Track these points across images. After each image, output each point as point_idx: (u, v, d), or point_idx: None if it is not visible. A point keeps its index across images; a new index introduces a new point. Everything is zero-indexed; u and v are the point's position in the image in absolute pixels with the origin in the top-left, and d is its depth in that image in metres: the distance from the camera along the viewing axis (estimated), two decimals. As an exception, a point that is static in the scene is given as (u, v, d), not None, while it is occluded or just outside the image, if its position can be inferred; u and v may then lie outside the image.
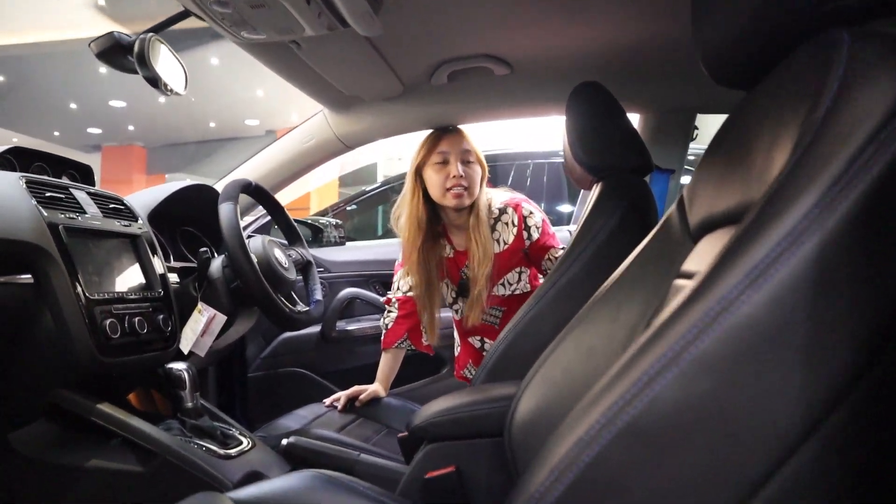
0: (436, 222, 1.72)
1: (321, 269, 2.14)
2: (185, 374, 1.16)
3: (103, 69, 9.10)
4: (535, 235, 1.67)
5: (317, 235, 2.38)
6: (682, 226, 0.85)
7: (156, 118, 11.18)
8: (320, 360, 2.08)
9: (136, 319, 1.13)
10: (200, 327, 1.40)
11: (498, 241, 1.67)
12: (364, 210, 3.37)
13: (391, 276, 1.84)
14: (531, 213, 1.68)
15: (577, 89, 1.37)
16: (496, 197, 1.71)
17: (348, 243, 2.49)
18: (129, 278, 1.20)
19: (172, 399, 1.18)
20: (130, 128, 12.14)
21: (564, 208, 3.19)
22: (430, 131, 1.67)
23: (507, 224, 1.67)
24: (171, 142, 12.91)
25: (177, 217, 1.66)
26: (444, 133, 1.66)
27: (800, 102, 0.54)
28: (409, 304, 1.73)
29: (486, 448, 1.04)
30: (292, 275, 1.53)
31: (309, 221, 2.45)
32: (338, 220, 2.71)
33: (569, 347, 0.91)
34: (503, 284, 1.72)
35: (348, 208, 3.48)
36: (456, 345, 1.93)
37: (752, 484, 0.41)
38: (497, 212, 1.68)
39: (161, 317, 1.22)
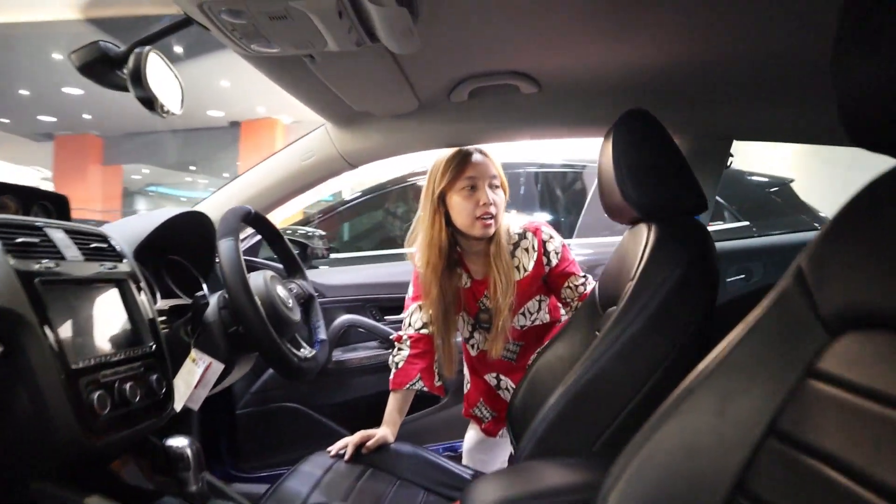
0: (453, 250, 1.57)
1: (316, 294, 1.97)
2: (189, 451, 0.99)
3: (57, 54, 8.66)
4: (555, 261, 1.57)
5: (304, 252, 2.20)
6: (805, 307, 0.71)
7: (113, 106, 10.71)
8: (315, 393, 1.91)
9: (128, 385, 0.95)
10: (196, 379, 1.23)
11: (518, 268, 1.56)
12: (348, 220, 3.18)
13: (389, 299, 1.69)
14: (551, 237, 1.58)
15: (627, 117, 1.24)
16: (513, 221, 1.59)
17: (333, 255, 2.32)
18: (117, 333, 1.02)
19: (172, 477, 1.00)
20: (86, 116, 11.63)
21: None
22: (454, 152, 1.52)
23: (526, 250, 1.56)
24: (129, 131, 12.42)
25: (162, 246, 1.47)
26: (470, 156, 1.50)
27: None
28: (423, 343, 1.58)
29: None
30: (297, 315, 1.37)
31: (294, 238, 2.27)
32: (321, 231, 2.54)
33: (664, 441, 0.77)
34: (524, 314, 1.61)
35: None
36: (466, 381, 1.80)
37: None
38: (516, 237, 1.56)
39: (154, 377, 1.04)
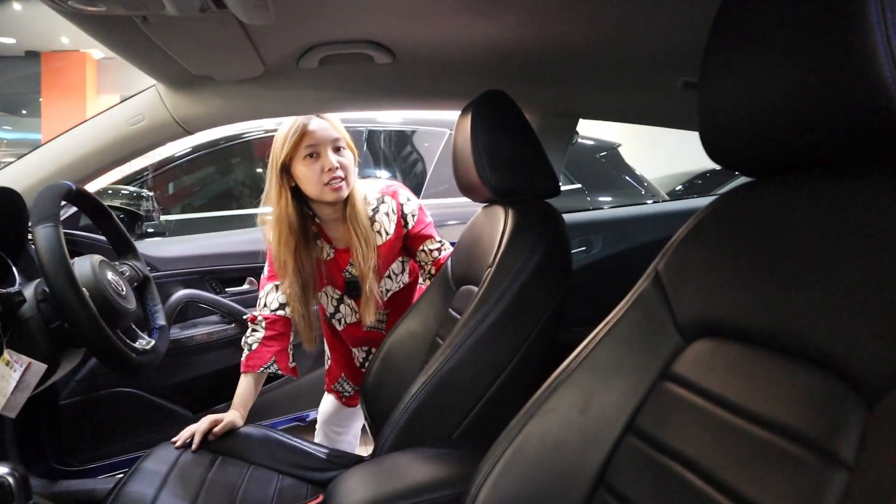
0: (308, 222, 1.52)
1: (149, 268, 1.80)
2: (10, 480, 0.87)
3: None
4: (412, 223, 1.57)
5: (133, 220, 2.00)
6: (662, 311, 0.76)
7: None
8: (151, 375, 1.76)
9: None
10: (11, 385, 1.08)
11: (380, 232, 1.54)
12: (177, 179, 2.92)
13: (230, 270, 1.60)
14: (408, 199, 1.59)
15: (485, 99, 1.23)
16: (371, 187, 1.57)
17: (166, 217, 2.14)
18: None
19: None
20: None
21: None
22: (291, 122, 1.43)
23: (387, 214, 1.55)
24: None
25: None
26: (308, 122, 1.42)
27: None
28: (279, 325, 1.51)
29: None
30: (131, 303, 1.24)
31: (121, 204, 2.05)
32: (146, 191, 2.32)
33: (532, 438, 0.80)
34: (389, 276, 1.61)
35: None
36: (326, 357, 1.77)
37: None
38: (374, 202, 1.54)
39: None
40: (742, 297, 0.65)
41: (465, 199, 1.46)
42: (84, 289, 1.10)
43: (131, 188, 2.37)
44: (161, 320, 1.35)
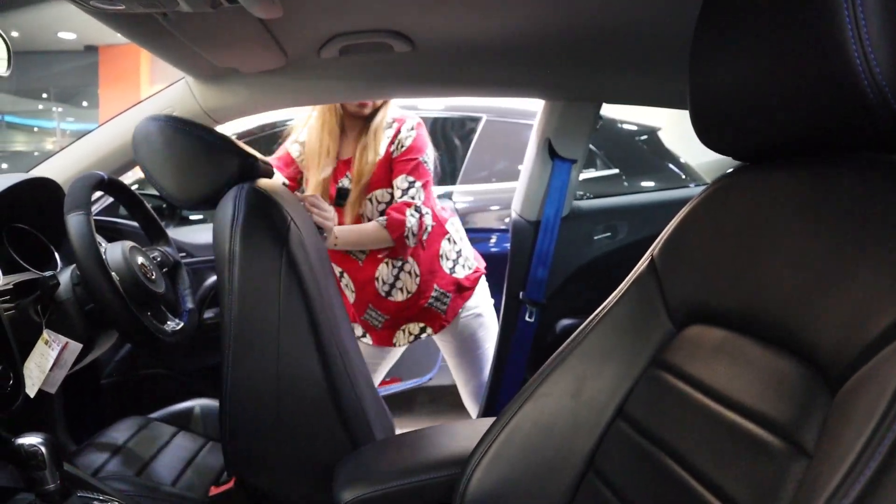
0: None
1: (183, 255, 1.87)
2: (43, 449, 0.93)
3: None
4: (397, 152, 1.65)
5: (173, 210, 2.08)
6: (655, 298, 0.77)
7: (-59, 25, 9.40)
8: (186, 358, 1.84)
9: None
10: (50, 362, 1.15)
11: (377, 151, 1.64)
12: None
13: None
14: (411, 130, 1.66)
15: (145, 127, 1.22)
16: (393, 112, 1.67)
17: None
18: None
19: (26, 479, 0.95)
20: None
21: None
22: None
23: (387, 136, 1.65)
24: (-36, 53, 10.98)
25: (3, 213, 1.34)
26: None
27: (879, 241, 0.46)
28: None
29: None
30: (161, 286, 1.30)
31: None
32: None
33: (525, 422, 0.81)
34: (371, 200, 1.67)
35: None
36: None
37: None
38: (386, 125, 1.65)
39: None
40: (726, 283, 0.65)
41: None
42: (114, 273, 1.16)
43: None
44: (190, 303, 1.41)
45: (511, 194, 1.58)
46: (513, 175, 2.47)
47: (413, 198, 1.61)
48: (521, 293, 1.69)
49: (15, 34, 10.24)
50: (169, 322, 1.33)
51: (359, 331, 1.80)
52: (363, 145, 1.62)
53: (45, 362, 1.16)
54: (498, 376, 1.75)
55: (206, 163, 1.18)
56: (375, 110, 1.64)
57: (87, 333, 1.20)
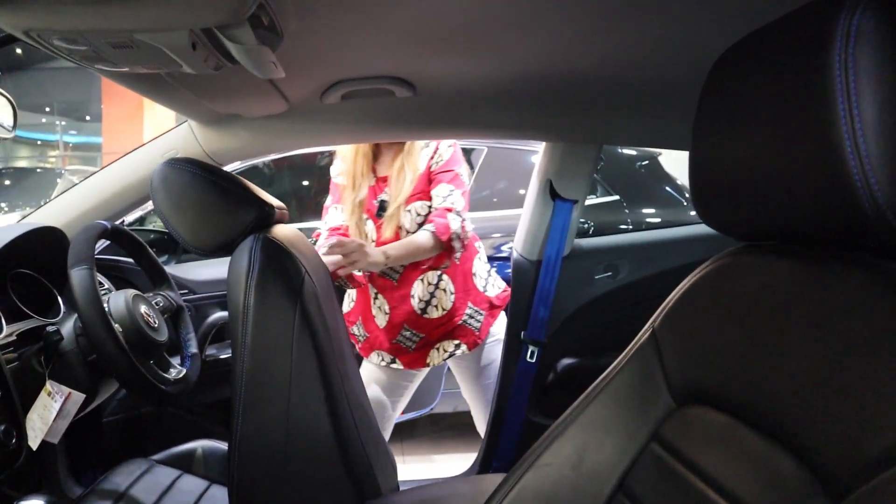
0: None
1: (185, 291, 1.88)
2: (44, 513, 0.94)
3: None
4: (436, 166, 1.71)
5: (175, 245, 2.09)
6: (656, 371, 0.77)
7: (-55, 41, 9.43)
8: (189, 394, 1.84)
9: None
10: (53, 414, 1.16)
11: (414, 168, 1.71)
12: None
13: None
14: (449, 146, 1.73)
15: (163, 172, 1.25)
16: None
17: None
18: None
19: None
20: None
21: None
22: None
23: (426, 154, 1.72)
24: (-32, 68, 11.05)
25: (6, 258, 1.34)
26: None
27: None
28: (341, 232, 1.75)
29: None
30: (164, 335, 1.30)
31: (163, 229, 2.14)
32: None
33: (526, 492, 0.82)
34: (409, 211, 1.71)
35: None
36: (349, 299, 1.88)
37: None
38: (423, 144, 1.74)
39: (1, 428, 0.96)
40: (727, 368, 0.65)
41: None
42: (117, 324, 1.17)
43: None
44: (193, 348, 1.41)
45: (511, 221, 1.60)
46: (514, 201, 2.49)
47: (453, 204, 1.67)
48: (522, 333, 1.69)
49: (19, 50, 10.31)
50: (172, 369, 1.34)
51: (386, 358, 1.81)
52: (399, 165, 1.69)
53: (48, 414, 1.16)
54: (500, 416, 1.75)
55: (223, 211, 1.20)
56: None
57: (89, 383, 1.21)
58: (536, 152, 1.79)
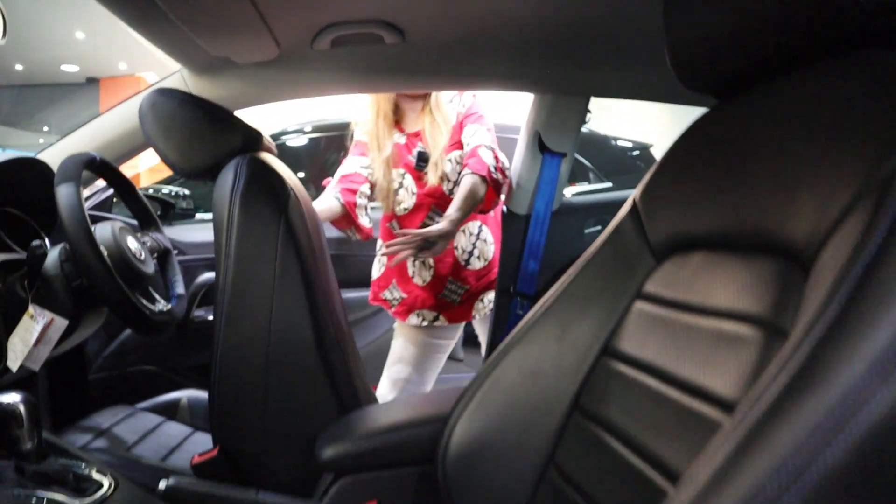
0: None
1: (175, 252, 1.87)
2: (21, 409, 0.92)
3: None
4: (463, 111, 1.78)
5: (167, 211, 2.09)
6: (638, 238, 0.77)
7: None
8: (175, 354, 1.83)
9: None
10: (34, 337, 1.14)
11: (445, 119, 1.76)
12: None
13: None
14: (471, 96, 1.80)
15: (152, 98, 1.27)
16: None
17: (199, 223, 2.22)
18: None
19: (4, 439, 0.93)
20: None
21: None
22: None
23: (452, 106, 1.80)
24: (-36, 86, 11.12)
25: None
26: None
27: (852, 142, 0.47)
28: (351, 179, 1.78)
29: (411, 477, 0.92)
30: (150, 268, 1.30)
31: (157, 195, 2.15)
32: (185, 191, 2.42)
33: (509, 369, 0.81)
34: (450, 159, 1.75)
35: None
36: (377, 265, 1.87)
37: None
38: (451, 94, 1.81)
39: None
40: (707, 207, 0.66)
41: None
42: (103, 248, 1.16)
43: (171, 188, 2.48)
44: (180, 289, 1.40)
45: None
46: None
47: (481, 140, 1.70)
48: (511, 287, 1.69)
49: (19, 67, 10.40)
50: (158, 303, 1.33)
51: (429, 316, 1.80)
52: (431, 119, 1.74)
53: (28, 336, 1.15)
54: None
55: (210, 133, 1.21)
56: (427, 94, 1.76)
57: (73, 310, 1.20)
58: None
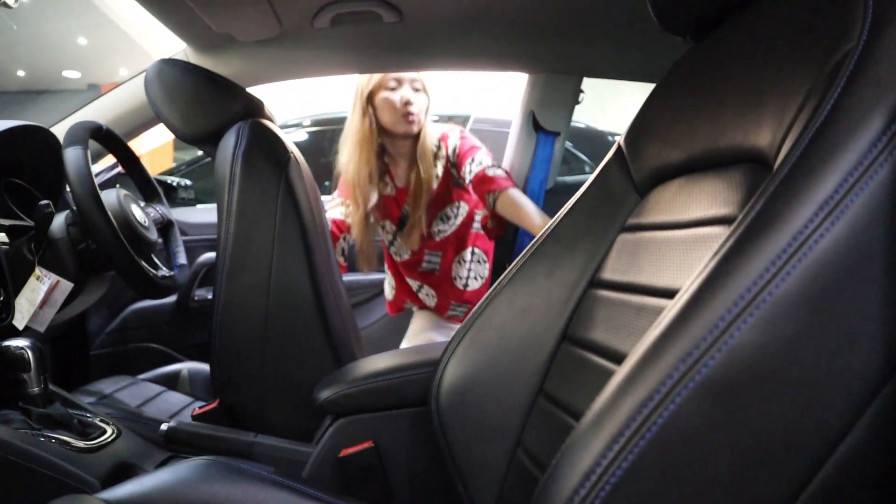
0: (381, 156, 1.71)
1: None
2: (28, 353, 0.95)
3: None
4: (454, 158, 1.68)
5: (169, 194, 2.12)
6: (623, 178, 0.81)
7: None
8: (176, 332, 1.86)
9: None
10: (40, 297, 1.17)
11: (436, 176, 1.69)
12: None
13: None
14: (449, 138, 1.71)
15: (158, 66, 1.30)
16: (434, 132, 1.71)
17: (200, 206, 2.26)
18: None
19: (11, 384, 0.96)
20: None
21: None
22: None
23: (440, 159, 1.69)
24: (-31, 92, 11.17)
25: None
26: None
27: (806, 46, 0.50)
28: (334, 226, 1.72)
29: (406, 419, 0.95)
30: (153, 235, 1.33)
31: (159, 179, 2.18)
32: (187, 181, 2.45)
33: (501, 306, 0.84)
34: (441, 219, 1.72)
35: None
36: (388, 286, 1.91)
37: (831, 439, 0.38)
38: (435, 148, 1.69)
39: None
40: (684, 137, 0.69)
41: None
42: (109, 212, 1.20)
43: (173, 178, 2.51)
44: (182, 259, 1.43)
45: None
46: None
47: (481, 163, 1.62)
48: (507, 265, 1.72)
49: (21, 73, 10.46)
50: (161, 270, 1.36)
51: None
52: (415, 172, 1.66)
53: (35, 297, 1.18)
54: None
55: (213, 99, 1.25)
56: (416, 135, 1.66)
57: (78, 273, 1.23)
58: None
